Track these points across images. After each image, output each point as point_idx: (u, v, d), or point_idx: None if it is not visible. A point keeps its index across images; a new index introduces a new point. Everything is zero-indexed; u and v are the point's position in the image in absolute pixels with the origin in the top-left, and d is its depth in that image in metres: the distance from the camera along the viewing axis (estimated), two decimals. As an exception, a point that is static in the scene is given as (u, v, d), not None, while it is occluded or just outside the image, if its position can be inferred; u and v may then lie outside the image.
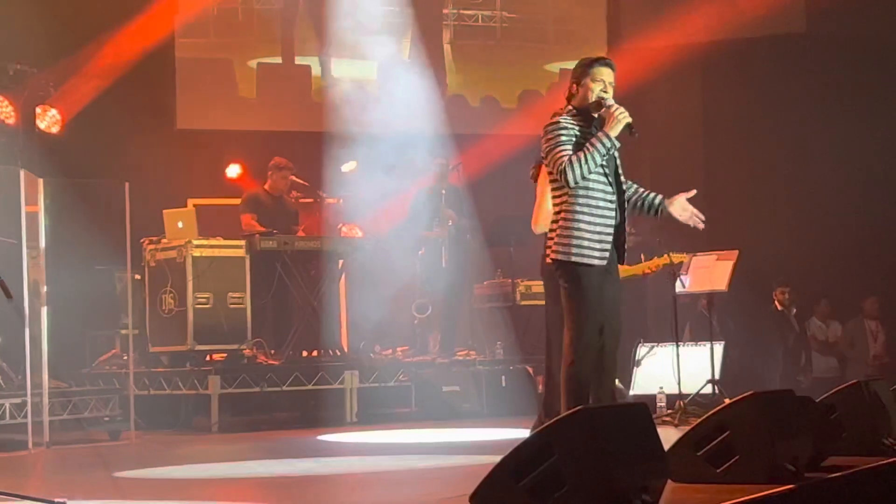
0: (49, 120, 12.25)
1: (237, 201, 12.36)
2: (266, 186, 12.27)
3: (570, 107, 6.93)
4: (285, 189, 12.31)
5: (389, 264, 13.15)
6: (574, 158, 6.70)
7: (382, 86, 14.81)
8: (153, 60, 13.48)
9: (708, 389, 10.66)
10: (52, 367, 9.75)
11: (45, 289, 9.68)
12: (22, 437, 9.24)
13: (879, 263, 14.48)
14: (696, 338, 12.14)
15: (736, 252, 10.86)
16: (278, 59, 14.82)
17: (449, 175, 12.78)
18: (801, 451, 6.22)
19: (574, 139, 6.78)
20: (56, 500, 5.92)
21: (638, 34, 14.97)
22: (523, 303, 12.46)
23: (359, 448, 9.81)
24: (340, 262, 12.19)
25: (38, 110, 12.21)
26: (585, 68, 6.89)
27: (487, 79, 15.45)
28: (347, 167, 13.35)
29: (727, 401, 7.18)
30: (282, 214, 12.18)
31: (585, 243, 6.78)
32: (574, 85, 6.91)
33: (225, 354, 11.47)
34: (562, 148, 6.74)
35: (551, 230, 6.94)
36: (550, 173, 6.88)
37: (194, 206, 12.52)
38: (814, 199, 14.40)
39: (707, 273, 10.81)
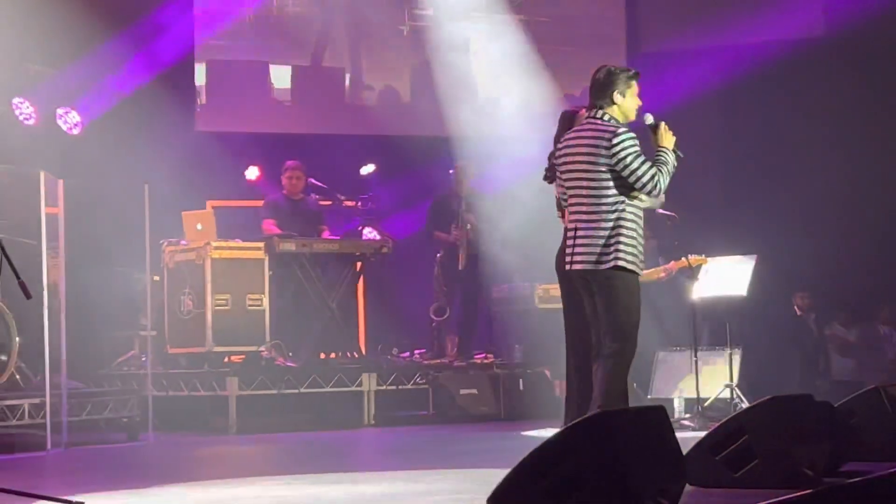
0: (69, 121, 12.28)
1: (256, 203, 12.40)
2: (284, 191, 12.31)
3: (611, 115, 7.08)
4: (301, 190, 12.33)
5: (407, 267, 13.16)
6: (664, 171, 6.99)
7: (414, 90, 14.82)
8: (174, 62, 13.49)
9: (726, 394, 10.64)
10: (71, 367, 9.78)
11: (63, 290, 9.71)
12: (40, 438, 9.27)
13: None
14: (714, 342, 12.11)
15: (755, 256, 10.83)
16: (309, 62, 14.70)
17: (469, 179, 12.79)
18: (819, 456, 6.20)
19: None
20: (74, 499, 5.93)
21: (657, 39, 14.95)
22: (541, 306, 12.45)
23: (375, 450, 9.81)
24: (359, 264, 12.21)
25: (59, 111, 12.25)
26: (629, 80, 7.13)
27: (521, 82, 15.38)
28: (366, 170, 13.38)
29: (745, 405, 7.17)
30: (301, 217, 12.20)
31: (636, 251, 7.01)
32: (617, 94, 7.08)
33: (243, 356, 11.50)
34: (646, 159, 6.97)
35: (591, 237, 6.99)
36: (598, 182, 6.96)
37: (213, 207, 12.55)
38: (834, 204, 14.35)
39: (726, 277, 10.79)
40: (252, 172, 13.06)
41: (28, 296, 6.74)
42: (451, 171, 12.85)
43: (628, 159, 6.91)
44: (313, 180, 12.45)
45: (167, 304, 11.57)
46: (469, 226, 12.59)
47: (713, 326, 12.38)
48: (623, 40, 15.50)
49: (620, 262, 6.93)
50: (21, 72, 12.23)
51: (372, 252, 12.14)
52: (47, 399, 9.34)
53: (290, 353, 11.51)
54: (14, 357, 9.74)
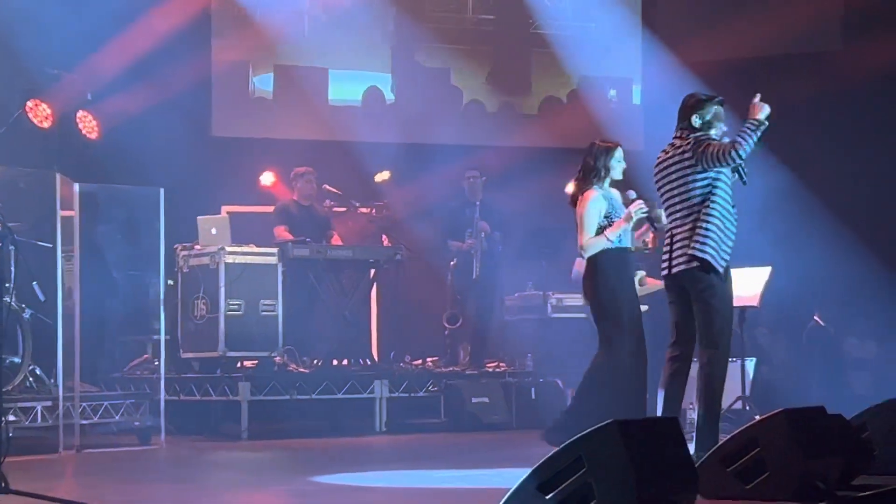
0: (86, 125, 12.29)
1: (271, 209, 12.40)
2: (294, 196, 12.30)
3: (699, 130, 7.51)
4: (313, 195, 12.32)
5: (421, 275, 13.15)
6: (745, 138, 7.39)
7: (399, 93, 14.79)
8: (189, 65, 13.49)
9: (738, 405, 10.61)
10: (84, 371, 9.80)
11: (78, 293, 9.73)
12: (53, 440, 9.30)
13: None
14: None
15: (769, 268, 10.81)
16: (295, 63, 14.53)
17: (482, 187, 12.78)
18: (831, 469, 6.18)
19: None
20: (85, 503, 5.94)
21: (673, 49, 14.92)
22: (554, 315, 12.45)
23: (386, 458, 9.81)
24: (372, 271, 12.20)
25: (79, 113, 12.23)
26: (721, 107, 7.60)
27: (506, 85, 15.34)
28: (380, 177, 13.38)
29: (758, 417, 7.14)
30: (312, 223, 12.20)
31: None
32: (695, 117, 7.54)
33: (255, 361, 11.50)
34: (716, 140, 7.45)
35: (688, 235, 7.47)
36: (688, 193, 7.45)
37: (228, 213, 12.57)
38: (852, 216, 14.28)
39: (739, 288, 10.75)
40: (267, 178, 13.07)
41: (42, 298, 6.78)
42: (465, 180, 12.84)
43: (702, 147, 7.36)
44: (328, 186, 12.46)
45: (181, 308, 11.58)
46: (483, 234, 12.59)
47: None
48: (639, 49, 15.48)
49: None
50: (38, 74, 12.24)
51: (386, 259, 12.13)
52: (60, 402, 9.37)
53: (303, 359, 11.51)
54: (27, 359, 9.78)
